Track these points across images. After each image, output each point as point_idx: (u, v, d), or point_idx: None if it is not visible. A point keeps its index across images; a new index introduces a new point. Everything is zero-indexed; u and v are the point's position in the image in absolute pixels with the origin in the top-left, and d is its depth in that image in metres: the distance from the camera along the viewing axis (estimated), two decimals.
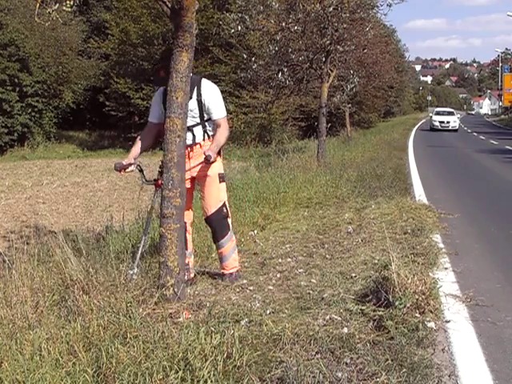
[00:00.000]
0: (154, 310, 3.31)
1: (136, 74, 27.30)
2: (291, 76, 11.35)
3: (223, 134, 4.11)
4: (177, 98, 3.53)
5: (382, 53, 19.85)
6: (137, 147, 4.23)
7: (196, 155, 4.11)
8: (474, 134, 30.15)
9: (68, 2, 3.45)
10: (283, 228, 6.01)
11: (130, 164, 4.15)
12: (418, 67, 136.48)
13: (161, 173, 4.08)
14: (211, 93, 4.09)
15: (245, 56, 12.61)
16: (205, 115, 4.10)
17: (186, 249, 4.06)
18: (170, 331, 2.91)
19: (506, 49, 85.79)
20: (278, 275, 4.29)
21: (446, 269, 4.48)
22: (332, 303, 3.53)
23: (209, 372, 2.52)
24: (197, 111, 4.06)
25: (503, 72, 54.85)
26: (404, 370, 2.70)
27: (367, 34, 12.15)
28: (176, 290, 3.49)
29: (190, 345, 2.70)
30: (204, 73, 23.96)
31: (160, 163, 4.13)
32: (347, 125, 21.63)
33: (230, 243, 4.23)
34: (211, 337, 2.77)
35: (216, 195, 4.13)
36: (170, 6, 3.52)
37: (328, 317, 3.33)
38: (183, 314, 3.31)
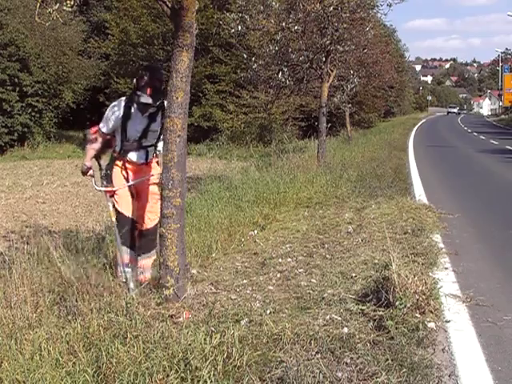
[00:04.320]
0: (154, 309, 3.31)
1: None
2: (291, 76, 11.32)
3: None
4: (177, 98, 3.52)
5: (382, 53, 19.83)
6: (91, 151, 4.29)
7: (145, 171, 4.24)
8: (475, 133, 30.10)
9: (68, 1, 3.44)
10: (283, 228, 6.00)
11: (89, 168, 4.21)
12: (418, 67, 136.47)
13: (107, 178, 4.14)
14: None
15: (245, 56, 12.58)
16: (161, 137, 4.15)
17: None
18: (170, 331, 2.92)
19: (506, 49, 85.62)
20: (278, 275, 4.29)
21: (446, 269, 4.48)
22: (332, 303, 3.53)
23: (209, 372, 2.52)
24: (158, 133, 4.18)
25: (503, 72, 54.79)
26: (404, 369, 2.70)
27: (367, 33, 12.13)
28: (176, 290, 3.49)
29: (190, 345, 2.71)
30: (204, 73, 24.01)
31: (105, 166, 4.18)
32: (347, 125, 21.60)
33: (155, 256, 4.13)
34: (211, 337, 2.78)
35: (156, 209, 4.02)
36: (170, 5, 3.52)
37: (328, 317, 3.33)
38: (183, 314, 3.31)
